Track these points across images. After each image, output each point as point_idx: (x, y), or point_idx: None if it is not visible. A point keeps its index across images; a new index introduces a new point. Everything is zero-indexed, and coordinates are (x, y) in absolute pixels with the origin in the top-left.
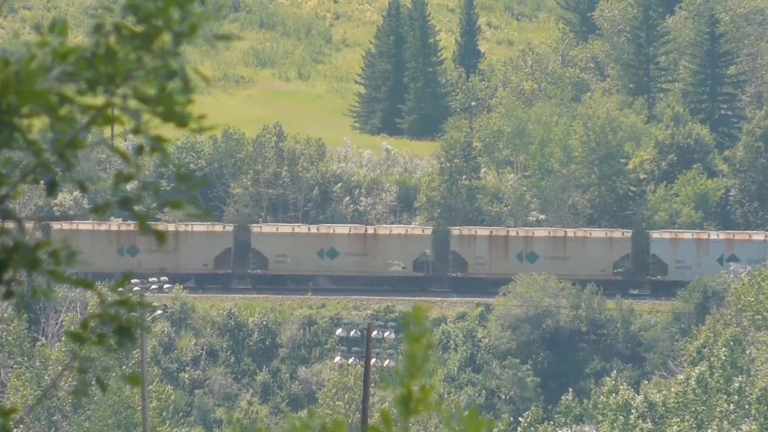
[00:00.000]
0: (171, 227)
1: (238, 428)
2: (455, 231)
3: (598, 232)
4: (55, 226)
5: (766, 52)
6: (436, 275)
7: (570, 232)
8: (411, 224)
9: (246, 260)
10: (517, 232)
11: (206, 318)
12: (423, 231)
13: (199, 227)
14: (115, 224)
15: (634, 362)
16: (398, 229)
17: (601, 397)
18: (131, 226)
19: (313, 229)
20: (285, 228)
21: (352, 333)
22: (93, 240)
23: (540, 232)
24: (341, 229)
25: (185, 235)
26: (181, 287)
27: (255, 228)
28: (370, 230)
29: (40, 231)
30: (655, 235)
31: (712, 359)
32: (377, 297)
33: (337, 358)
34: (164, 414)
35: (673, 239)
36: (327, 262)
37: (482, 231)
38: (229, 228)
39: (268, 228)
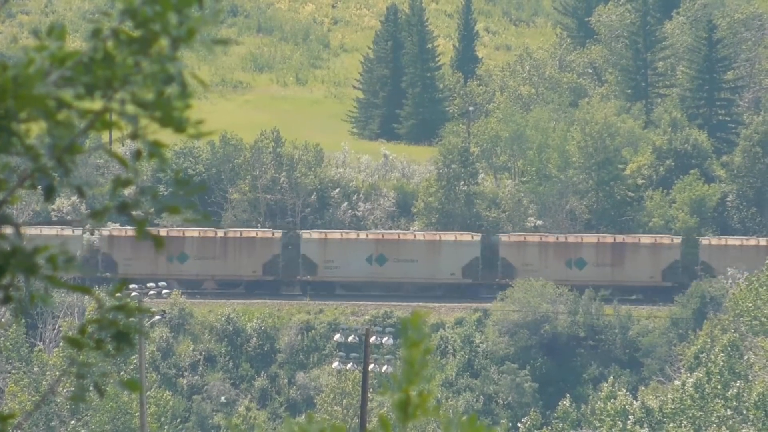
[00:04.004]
0: (220, 233)
1: None
2: (504, 237)
3: (646, 239)
4: (104, 231)
5: (764, 58)
6: (485, 281)
7: (619, 238)
8: (459, 231)
9: (295, 266)
10: (566, 238)
11: (204, 323)
12: (472, 237)
13: (248, 233)
14: (164, 230)
15: (631, 368)
16: (447, 236)
17: (599, 402)
18: (181, 232)
19: (362, 234)
20: (334, 234)
21: (350, 338)
22: (138, 246)
23: (589, 239)
24: (390, 235)
25: (234, 241)
26: (180, 292)
27: (305, 234)
28: (419, 236)
29: (92, 235)
30: (704, 241)
31: (709, 365)
32: (375, 303)
33: (335, 364)
34: (162, 420)
35: (722, 246)
36: (376, 269)
37: (532, 237)
38: (278, 234)
39: (318, 234)
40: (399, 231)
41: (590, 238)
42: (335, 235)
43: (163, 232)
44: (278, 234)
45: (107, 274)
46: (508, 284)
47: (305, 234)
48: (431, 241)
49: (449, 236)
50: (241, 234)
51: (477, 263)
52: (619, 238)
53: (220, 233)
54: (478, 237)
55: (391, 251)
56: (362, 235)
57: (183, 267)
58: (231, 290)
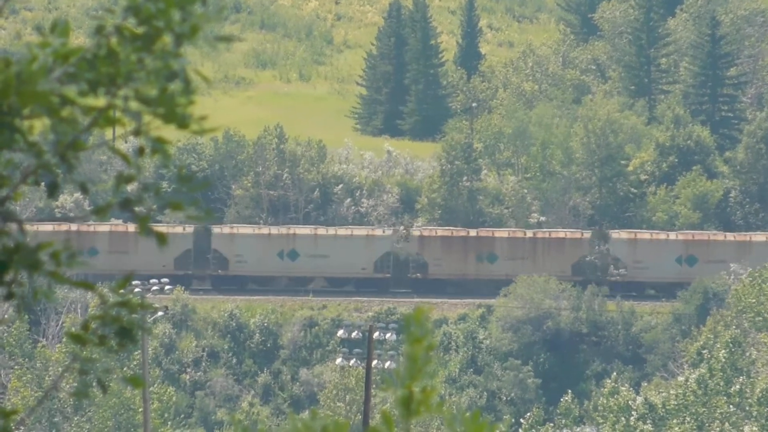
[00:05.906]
0: (529, 234)
1: (240, 429)
2: (614, 234)
3: None
4: (415, 232)
5: (767, 54)
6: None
7: None
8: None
9: (603, 265)
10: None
11: (207, 319)
12: (582, 235)
13: (557, 234)
14: (473, 231)
15: (634, 364)
16: (758, 236)
17: (602, 398)
18: (491, 232)
19: (672, 235)
20: (643, 234)
21: (354, 335)
22: (449, 247)
23: (758, 237)
24: (700, 235)
25: (543, 241)
26: (182, 289)
27: (614, 234)
28: (730, 236)
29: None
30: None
31: (712, 361)
32: (378, 299)
33: (339, 360)
34: (165, 415)
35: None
36: (685, 269)
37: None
38: (587, 234)
39: (626, 234)
40: (709, 232)
41: (759, 236)
42: (644, 235)
43: (472, 233)
44: (587, 234)
45: (417, 274)
46: None
47: (614, 234)
48: (742, 241)
49: (760, 237)
50: (549, 234)
51: None
52: None
53: (529, 233)
54: None
55: (702, 252)
56: (672, 235)
57: (492, 267)
58: None
